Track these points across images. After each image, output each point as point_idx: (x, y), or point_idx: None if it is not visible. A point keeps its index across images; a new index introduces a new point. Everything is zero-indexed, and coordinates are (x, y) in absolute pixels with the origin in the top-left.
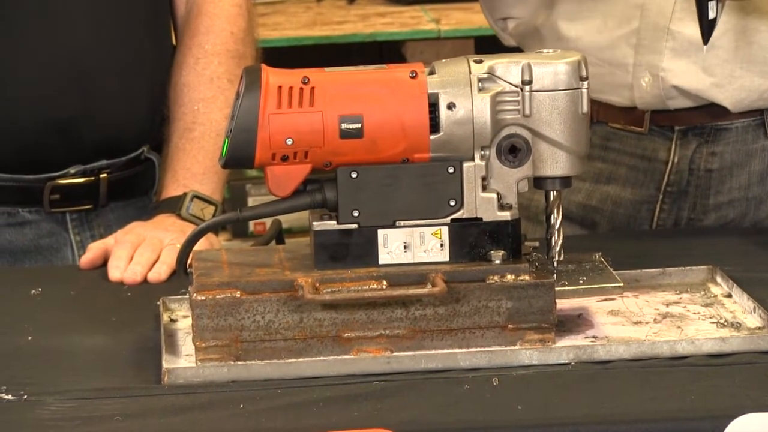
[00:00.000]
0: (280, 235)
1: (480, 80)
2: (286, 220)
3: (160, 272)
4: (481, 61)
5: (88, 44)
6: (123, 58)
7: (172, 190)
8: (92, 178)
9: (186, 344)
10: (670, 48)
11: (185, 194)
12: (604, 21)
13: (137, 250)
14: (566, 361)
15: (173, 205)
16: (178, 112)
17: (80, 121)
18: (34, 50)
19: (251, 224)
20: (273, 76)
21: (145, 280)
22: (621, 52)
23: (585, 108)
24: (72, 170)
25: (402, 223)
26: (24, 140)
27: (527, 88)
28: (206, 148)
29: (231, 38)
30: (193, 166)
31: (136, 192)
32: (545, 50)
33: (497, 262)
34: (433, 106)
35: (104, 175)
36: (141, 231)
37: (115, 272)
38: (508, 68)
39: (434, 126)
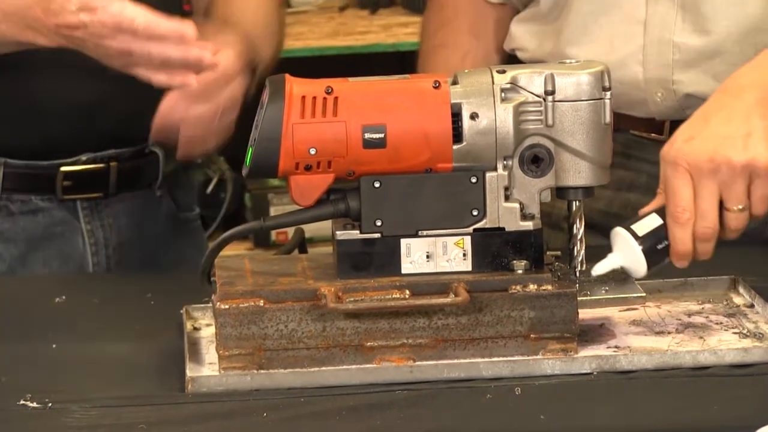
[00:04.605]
0: (302, 244)
1: (503, 90)
2: (309, 229)
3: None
4: (503, 72)
5: None
6: None
7: None
8: (103, 165)
9: (209, 353)
10: (678, 60)
11: None
12: (609, 41)
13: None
14: (588, 371)
15: None
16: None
17: (95, 109)
18: None
19: (273, 233)
20: (297, 86)
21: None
22: (631, 70)
23: (608, 118)
24: (83, 157)
25: (425, 232)
26: (41, 127)
27: (550, 98)
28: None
29: (261, 14)
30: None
31: (143, 183)
32: (568, 60)
33: (520, 271)
34: (456, 116)
35: (114, 163)
36: None
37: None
38: (530, 78)
39: (457, 136)
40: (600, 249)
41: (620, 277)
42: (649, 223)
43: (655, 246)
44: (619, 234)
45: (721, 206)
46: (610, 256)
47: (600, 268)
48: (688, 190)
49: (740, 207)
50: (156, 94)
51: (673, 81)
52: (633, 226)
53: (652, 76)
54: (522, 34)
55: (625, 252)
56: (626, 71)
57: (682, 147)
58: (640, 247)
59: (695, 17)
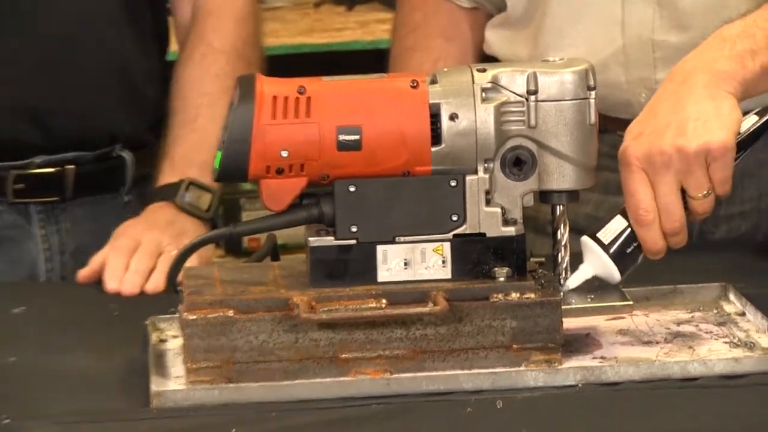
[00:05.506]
0: (275, 251)
1: (483, 90)
2: (281, 235)
3: (158, 284)
4: (484, 70)
5: (60, 35)
6: (96, 56)
7: (168, 176)
8: (58, 168)
9: (176, 366)
10: (659, 58)
11: (181, 181)
12: (589, 44)
13: (133, 258)
14: (573, 383)
15: (169, 194)
16: (180, 105)
17: (48, 110)
18: (5, 34)
19: (245, 240)
20: (267, 86)
21: (142, 291)
22: (612, 72)
23: (592, 119)
24: (37, 160)
25: (402, 238)
26: None
27: (532, 98)
28: (207, 141)
29: (239, 39)
30: (193, 155)
31: (106, 188)
32: (551, 58)
33: (501, 279)
34: (435, 117)
35: (71, 167)
36: (135, 233)
37: (112, 283)
38: (512, 77)
39: (436, 138)
40: None
41: (606, 283)
42: (614, 228)
43: (624, 250)
44: (586, 244)
45: (686, 194)
46: (581, 267)
47: (573, 282)
48: (646, 189)
49: (704, 193)
50: (119, 96)
51: (656, 80)
52: (599, 234)
53: (635, 77)
54: (495, 41)
55: (595, 261)
56: (608, 74)
57: (631, 145)
58: (608, 255)
59: (672, 13)
